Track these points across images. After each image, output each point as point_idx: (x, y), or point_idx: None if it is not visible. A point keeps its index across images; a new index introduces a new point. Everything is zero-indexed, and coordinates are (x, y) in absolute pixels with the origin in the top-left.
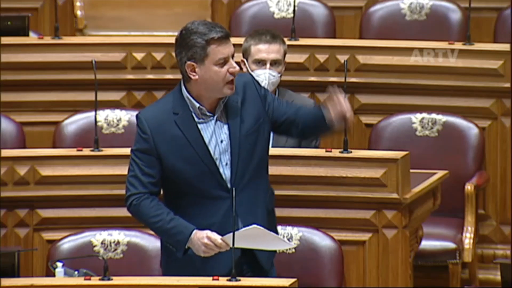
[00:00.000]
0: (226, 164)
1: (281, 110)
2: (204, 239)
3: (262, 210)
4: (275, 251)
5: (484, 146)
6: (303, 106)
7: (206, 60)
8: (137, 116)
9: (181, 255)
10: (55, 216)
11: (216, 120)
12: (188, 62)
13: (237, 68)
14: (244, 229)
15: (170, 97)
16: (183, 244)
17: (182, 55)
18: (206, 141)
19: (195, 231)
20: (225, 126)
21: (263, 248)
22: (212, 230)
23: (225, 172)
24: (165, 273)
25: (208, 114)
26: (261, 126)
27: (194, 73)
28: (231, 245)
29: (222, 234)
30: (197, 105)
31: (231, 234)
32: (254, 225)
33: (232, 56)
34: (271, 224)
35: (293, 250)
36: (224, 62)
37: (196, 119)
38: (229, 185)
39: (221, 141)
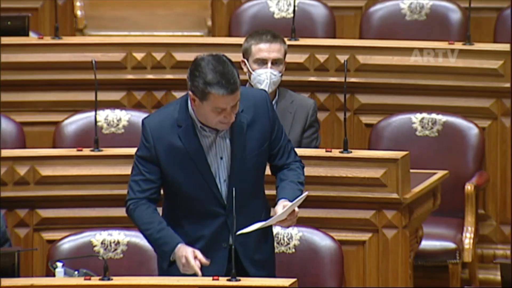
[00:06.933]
0: (224, 180)
1: (275, 145)
2: (183, 258)
3: (259, 231)
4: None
5: (484, 146)
6: (287, 165)
7: (204, 102)
8: (142, 122)
9: (166, 266)
10: (55, 216)
11: (219, 137)
12: (190, 92)
13: (233, 119)
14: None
15: (176, 106)
16: (167, 256)
17: (188, 82)
18: (206, 155)
19: (179, 245)
20: (228, 144)
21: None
22: (200, 244)
23: (222, 188)
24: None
25: (210, 132)
26: (264, 149)
27: (193, 102)
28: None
29: (210, 248)
30: (199, 124)
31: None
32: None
33: (233, 106)
34: (268, 244)
35: (293, 250)
36: (221, 111)
37: (198, 133)
38: (225, 202)
39: (221, 158)
